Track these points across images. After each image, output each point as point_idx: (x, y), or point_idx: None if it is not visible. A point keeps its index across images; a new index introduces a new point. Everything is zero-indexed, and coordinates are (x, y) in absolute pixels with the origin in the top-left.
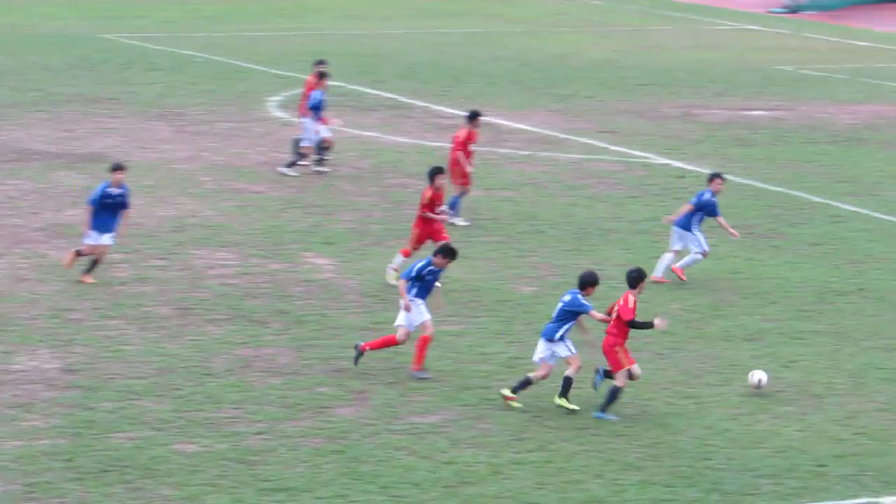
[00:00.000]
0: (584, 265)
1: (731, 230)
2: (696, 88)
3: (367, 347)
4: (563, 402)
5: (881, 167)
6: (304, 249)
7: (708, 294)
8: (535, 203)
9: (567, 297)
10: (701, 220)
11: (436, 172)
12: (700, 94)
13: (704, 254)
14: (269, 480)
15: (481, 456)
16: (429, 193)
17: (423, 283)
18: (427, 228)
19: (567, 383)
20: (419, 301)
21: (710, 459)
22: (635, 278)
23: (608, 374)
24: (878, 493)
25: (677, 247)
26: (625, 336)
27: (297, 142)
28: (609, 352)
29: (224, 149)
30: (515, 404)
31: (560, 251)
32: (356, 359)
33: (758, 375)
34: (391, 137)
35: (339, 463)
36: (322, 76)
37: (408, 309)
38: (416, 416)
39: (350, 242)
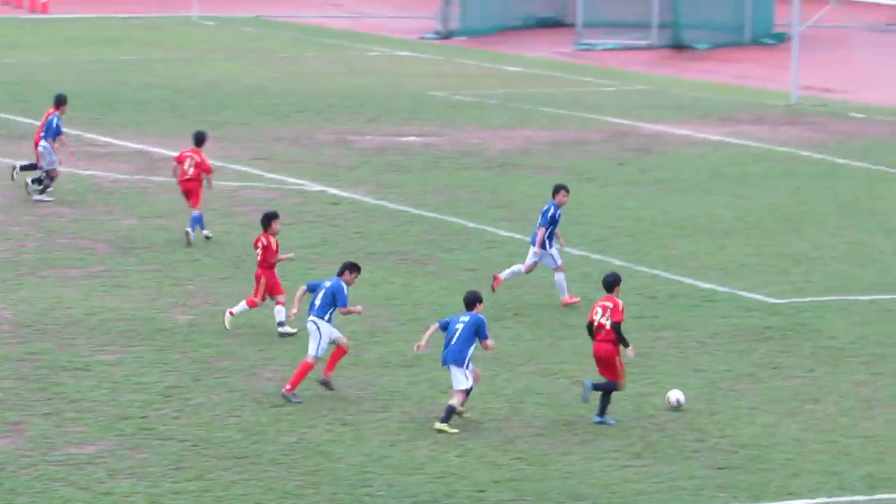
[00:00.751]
0: (240, 293)
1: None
2: (350, 115)
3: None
4: (445, 427)
5: (534, 192)
6: None
7: (364, 321)
8: None
9: (466, 318)
10: (553, 236)
11: (272, 219)
12: (354, 121)
13: (558, 268)
14: None
15: (139, 486)
16: (268, 240)
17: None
18: (271, 275)
19: (451, 411)
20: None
21: (370, 486)
22: (612, 282)
23: (598, 386)
24: None
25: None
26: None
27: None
28: (609, 359)
29: None
30: (451, 430)
31: (216, 279)
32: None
33: (675, 396)
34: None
35: None
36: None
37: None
38: (73, 447)
39: (3, 272)
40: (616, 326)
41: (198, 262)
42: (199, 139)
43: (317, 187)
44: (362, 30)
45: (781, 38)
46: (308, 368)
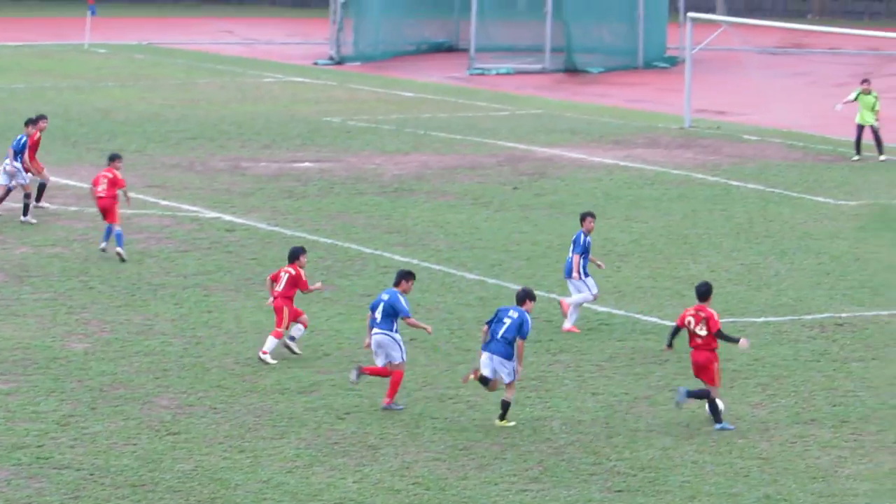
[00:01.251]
0: (137, 321)
1: (598, 262)
2: (245, 141)
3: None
4: (506, 423)
5: (429, 217)
6: None
7: (261, 347)
8: (84, 259)
9: (515, 314)
10: (587, 263)
11: (300, 253)
12: (248, 147)
13: (595, 297)
14: None
15: None
16: (294, 271)
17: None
18: (291, 304)
19: (507, 406)
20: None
21: None
22: (704, 292)
23: (692, 394)
24: None
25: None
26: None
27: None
28: (708, 365)
29: None
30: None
31: (111, 307)
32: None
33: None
34: None
35: None
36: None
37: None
38: None
39: None
40: (719, 335)
41: (93, 290)
42: (112, 157)
43: (211, 214)
44: (256, 56)
45: (674, 62)
46: (400, 377)
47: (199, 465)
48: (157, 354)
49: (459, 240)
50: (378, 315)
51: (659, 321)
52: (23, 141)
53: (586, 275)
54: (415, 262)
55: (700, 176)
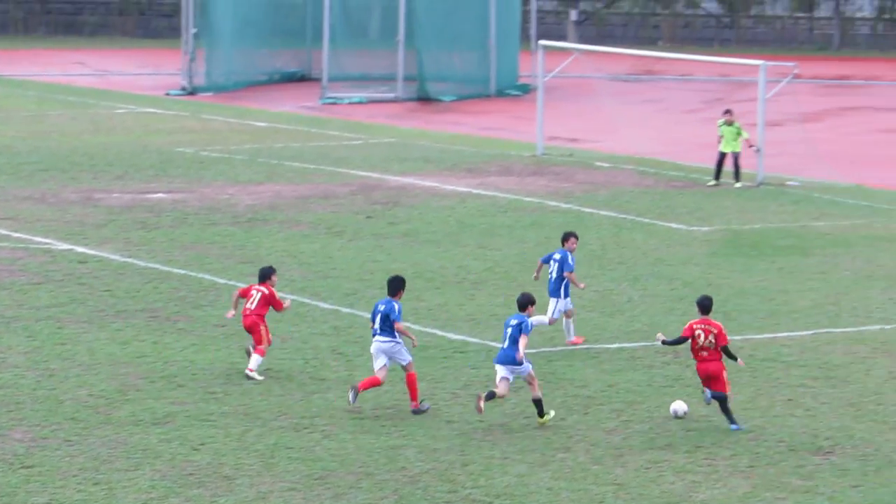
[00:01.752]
0: None
1: (580, 284)
2: (97, 173)
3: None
4: (546, 418)
5: (283, 247)
6: None
7: (115, 379)
8: None
9: (514, 321)
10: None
11: (271, 273)
12: (101, 179)
13: (551, 321)
14: None
15: None
16: (267, 290)
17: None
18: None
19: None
20: None
21: None
22: (708, 305)
23: (715, 395)
24: None
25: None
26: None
27: None
28: (718, 375)
29: None
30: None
31: None
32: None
33: (681, 407)
34: None
35: None
36: None
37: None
38: None
39: None
40: (725, 350)
41: None
42: None
43: (64, 246)
44: (108, 87)
45: (526, 90)
46: (415, 377)
47: (54, 499)
48: (9, 387)
49: (313, 269)
50: (377, 324)
51: None
52: None
53: (566, 295)
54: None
55: (553, 203)
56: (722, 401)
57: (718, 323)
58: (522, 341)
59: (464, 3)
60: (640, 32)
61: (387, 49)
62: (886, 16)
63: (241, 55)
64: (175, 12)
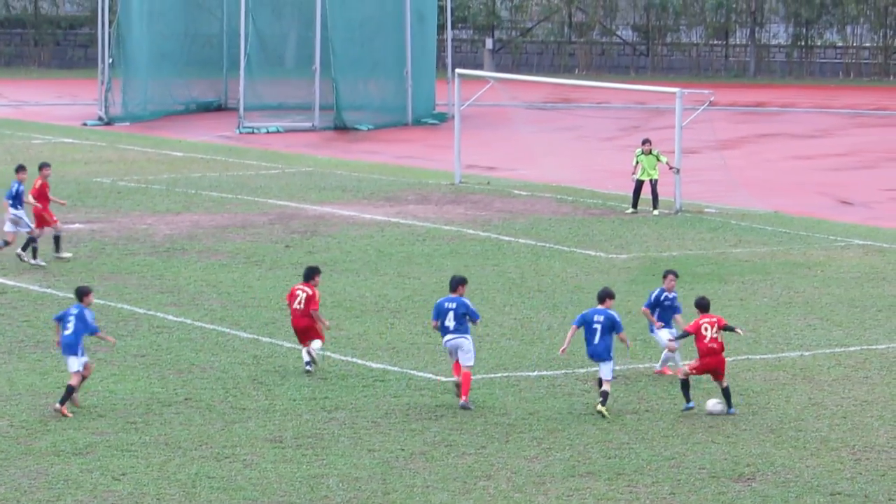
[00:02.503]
0: None
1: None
2: None
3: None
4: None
5: (201, 276)
6: None
7: (35, 409)
8: None
9: (601, 317)
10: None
11: (315, 273)
12: None
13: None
14: None
15: None
16: (311, 291)
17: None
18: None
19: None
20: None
21: None
22: (706, 304)
23: (725, 394)
24: None
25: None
26: None
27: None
28: (720, 366)
29: None
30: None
31: None
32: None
33: (716, 407)
34: None
35: None
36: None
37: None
38: None
39: None
40: (726, 328)
41: None
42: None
43: None
44: (24, 118)
45: (443, 118)
46: (470, 375)
47: None
48: None
49: (232, 299)
50: (451, 322)
51: (433, 377)
52: (17, 188)
53: (651, 331)
54: (188, 321)
55: (472, 231)
56: (728, 395)
57: (718, 315)
58: (622, 337)
59: (380, 33)
60: (557, 61)
61: (303, 78)
62: (801, 43)
63: (158, 85)
64: (91, 42)
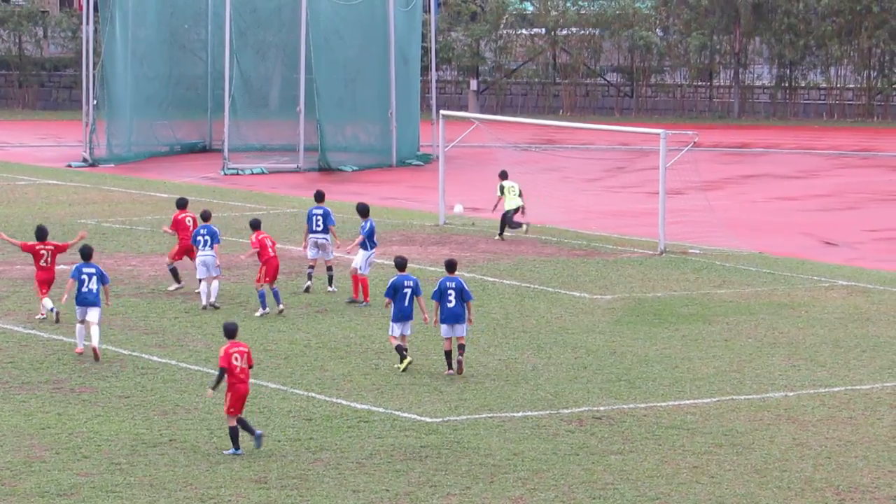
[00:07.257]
0: None
1: None
2: None
3: None
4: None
5: (185, 318)
6: None
7: (20, 451)
8: None
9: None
10: None
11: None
12: (2, 251)
13: None
14: None
15: None
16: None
17: None
18: None
19: None
20: None
21: None
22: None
23: None
24: None
25: None
26: None
27: None
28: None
29: None
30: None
31: None
32: None
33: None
34: None
35: None
36: None
37: None
38: None
39: None
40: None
41: None
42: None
43: None
44: (8, 159)
45: (428, 159)
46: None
47: None
48: None
49: (217, 340)
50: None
51: (418, 417)
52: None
53: None
54: (173, 362)
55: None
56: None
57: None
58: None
59: (364, 74)
60: (541, 102)
61: (287, 119)
62: (785, 84)
63: (142, 126)
64: (75, 84)
